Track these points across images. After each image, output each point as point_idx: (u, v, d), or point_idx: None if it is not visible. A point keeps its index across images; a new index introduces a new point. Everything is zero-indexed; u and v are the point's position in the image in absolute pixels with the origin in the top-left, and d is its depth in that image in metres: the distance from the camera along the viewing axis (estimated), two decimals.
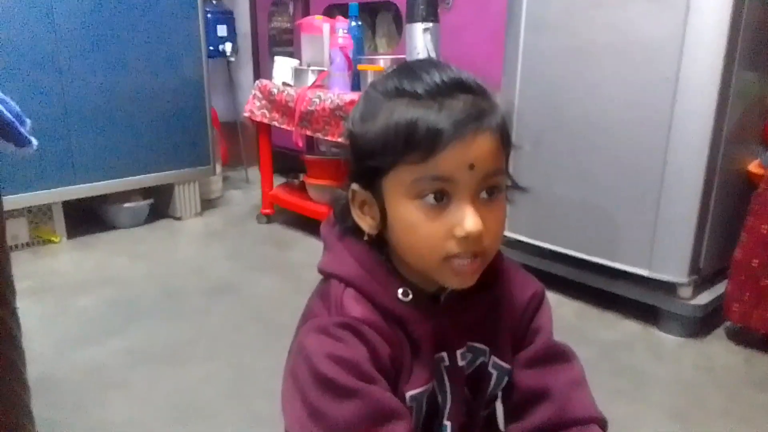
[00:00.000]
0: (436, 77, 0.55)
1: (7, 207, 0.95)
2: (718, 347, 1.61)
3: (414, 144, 0.53)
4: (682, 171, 1.53)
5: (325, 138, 2.17)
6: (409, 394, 0.60)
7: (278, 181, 2.68)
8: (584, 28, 1.65)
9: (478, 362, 0.67)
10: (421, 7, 1.96)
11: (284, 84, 2.33)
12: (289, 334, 0.64)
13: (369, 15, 2.88)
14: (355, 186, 0.60)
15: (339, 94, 2.09)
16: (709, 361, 1.54)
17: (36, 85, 2.10)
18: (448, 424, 0.65)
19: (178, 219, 2.60)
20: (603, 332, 1.68)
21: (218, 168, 2.80)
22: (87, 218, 2.43)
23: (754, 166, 1.65)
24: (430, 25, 1.92)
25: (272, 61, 2.50)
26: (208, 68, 2.57)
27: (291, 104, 2.23)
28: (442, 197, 0.55)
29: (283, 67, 2.36)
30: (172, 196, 2.57)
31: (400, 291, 0.61)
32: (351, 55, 2.16)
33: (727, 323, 1.65)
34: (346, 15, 2.23)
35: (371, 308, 0.59)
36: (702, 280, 1.65)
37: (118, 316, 1.75)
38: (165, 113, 2.46)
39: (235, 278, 2.03)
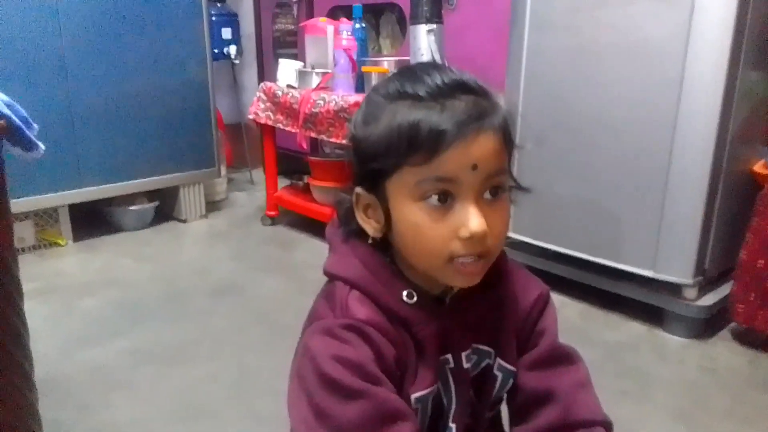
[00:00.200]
0: (438, 79, 0.55)
1: (13, 210, 0.95)
2: (722, 348, 1.60)
3: (417, 145, 0.54)
4: (687, 171, 1.52)
5: (330, 140, 2.18)
6: (414, 395, 0.61)
7: (282, 182, 2.68)
8: (588, 27, 1.64)
9: (483, 364, 0.67)
10: (425, 8, 1.95)
11: (288, 86, 2.34)
12: (293, 335, 0.64)
13: (373, 16, 2.89)
14: (359, 189, 0.61)
15: (343, 95, 2.10)
16: (713, 362, 1.54)
17: (42, 89, 2.11)
18: (453, 426, 0.65)
19: (183, 221, 2.60)
20: (607, 333, 1.68)
21: (223, 170, 2.81)
22: (93, 221, 2.44)
23: (759, 167, 1.65)
24: (434, 26, 1.92)
25: (276, 63, 2.51)
26: (212, 70, 2.57)
27: (295, 106, 2.23)
28: (446, 198, 0.55)
29: (287, 69, 2.37)
30: (177, 198, 2.58)
31: (404, 293, 0.61)
32: (355, 57, 2.17)
33: (732, 324, 1.65)
34: (349, 17, 2.24)
35: (376, 310, 0.60)
36: (707, 281, 1.64)
37: (123, 317, 1.76)
38: (170, 116, 2.47)
39: (240, 279, 2.04)
